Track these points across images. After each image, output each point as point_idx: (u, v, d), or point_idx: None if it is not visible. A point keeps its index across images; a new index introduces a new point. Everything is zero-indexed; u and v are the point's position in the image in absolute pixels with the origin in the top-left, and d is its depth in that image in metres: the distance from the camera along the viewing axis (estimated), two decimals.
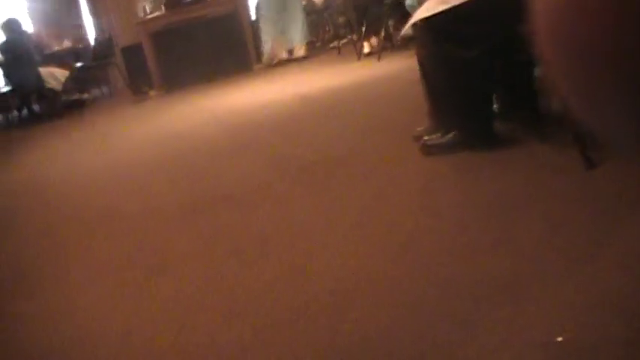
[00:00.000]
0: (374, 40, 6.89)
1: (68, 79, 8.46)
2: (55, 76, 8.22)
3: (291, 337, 1.57)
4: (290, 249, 2.16)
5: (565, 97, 0.38)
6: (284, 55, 7.94)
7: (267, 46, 8.04)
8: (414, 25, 2.73)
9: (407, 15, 4.96)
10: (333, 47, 8.40)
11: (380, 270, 1.85)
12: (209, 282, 2.03)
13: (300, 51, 8.13)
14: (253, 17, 8.40)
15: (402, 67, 5.47)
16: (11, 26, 8.24)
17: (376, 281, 1.78)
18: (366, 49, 6.95)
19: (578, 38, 0.34)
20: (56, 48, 9.29)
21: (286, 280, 1.90)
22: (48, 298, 2.19)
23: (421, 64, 2.88)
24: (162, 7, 8.16)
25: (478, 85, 2.73)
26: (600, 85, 0.34)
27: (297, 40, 8.05)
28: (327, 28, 9.87)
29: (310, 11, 9.30)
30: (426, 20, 2.63)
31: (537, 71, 2.91)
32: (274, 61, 7.94)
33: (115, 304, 2.00)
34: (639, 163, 2.15)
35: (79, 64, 9.33)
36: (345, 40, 8.28)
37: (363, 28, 6.78)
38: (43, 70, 8.12)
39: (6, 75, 8.65)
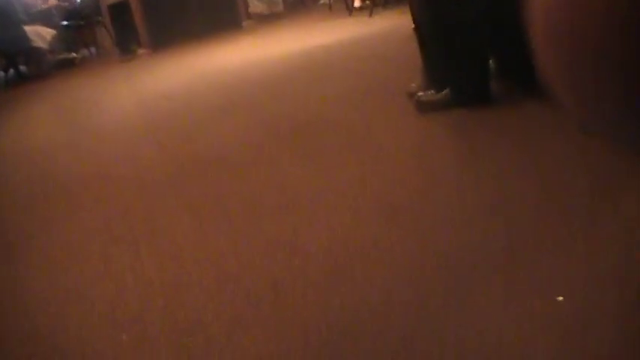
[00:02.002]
0: None
1: (55, 38, 8.29)
2: (41, 34, 8.04)
3: (279, 312, 1.52)
4: (280, 216, 2.10)
5: (558, 91, 0.35)
6: (264, 11, 7.80)
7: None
8: None
9: None
10: (324, 4, 8.25)
11: (371, 239, 1.80)
12: (198, 250, 1.98)
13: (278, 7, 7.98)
14: None
15: (393, 23, 5.38)
16: None
17: (367, 252, 1.73)
18: (357, 3, 6.87)
19: (574, 34, 0.34)
20: (41, 6, 9.06)
21: (275, 252, 1.85)
22: (28, 279, 2.07)
23: (415, 20, 2.81)
24: None
25: (473, 44, 2.65)
26: (592, 75, 0.34)
27: None
28: None
29: None
30: None
31: None
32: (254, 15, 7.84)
33: (99, 280, 1.93)
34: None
35: (65, 23, 9.14)
36: None
37: None
38: (29, 29, 7.94)
39: None
